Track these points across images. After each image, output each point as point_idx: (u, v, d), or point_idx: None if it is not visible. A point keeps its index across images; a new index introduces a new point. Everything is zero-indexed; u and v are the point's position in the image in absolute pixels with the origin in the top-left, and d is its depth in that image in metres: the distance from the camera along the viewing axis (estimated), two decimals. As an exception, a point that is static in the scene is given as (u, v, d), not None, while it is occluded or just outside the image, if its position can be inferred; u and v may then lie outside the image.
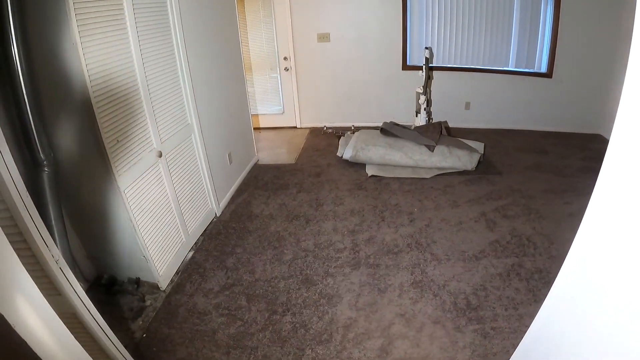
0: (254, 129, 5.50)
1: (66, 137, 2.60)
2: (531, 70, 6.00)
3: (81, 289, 1.76)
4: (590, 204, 1.40)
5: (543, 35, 5.75)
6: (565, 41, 5.56)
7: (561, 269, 1.66)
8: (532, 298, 2.95)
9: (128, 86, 2.74)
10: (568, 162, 5.09)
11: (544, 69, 5.90)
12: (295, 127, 6.96)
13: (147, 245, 3.03)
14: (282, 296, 3.11)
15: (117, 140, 2.64)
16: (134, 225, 2.86)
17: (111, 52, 2.56)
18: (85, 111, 2.43)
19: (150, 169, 3.04)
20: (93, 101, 2.41)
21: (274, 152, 5.90)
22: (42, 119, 2.40)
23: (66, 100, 2.44)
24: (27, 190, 2.48)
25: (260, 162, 5.56)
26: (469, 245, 3.58)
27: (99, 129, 2.47)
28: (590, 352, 1.42)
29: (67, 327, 1.50)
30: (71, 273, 1.69)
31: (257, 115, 6.80)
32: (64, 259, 2.49)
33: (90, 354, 1.62)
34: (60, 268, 1.62)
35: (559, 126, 6.17)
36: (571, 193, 4.30)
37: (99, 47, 2.44)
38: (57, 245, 2.49)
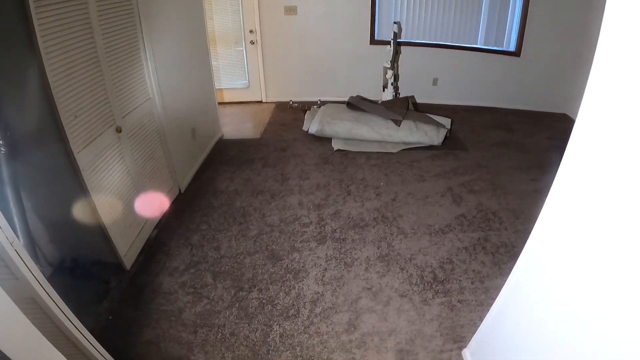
0: (219, 103, 5.40)
1: (22, 115, 2.48)
2: (500, 49, 6.05)
3: (40, 273, 1.70)
4: (555, 181, 1.42)
5: (513, 14, 5.80)
6: (534, 20, 5.62)
7: (527, 243, 1.69)
8: (498, 271, 3.02)
9: (86, 59, 2.62)
10: (534, 140, 5.19)
11: (512, 47, 5.97)
12: (261, 102, 6.87)
13: (109, 226, 2.94)
14: (248, 272, 3.10)
15: (75, 116, 2.53)
16: (94, 206, 2.78)
17: (67, 23, 2.42)
18: (41, 85, 2.31)
19: (110, 146, 2.93)
20: (49, 74, 2.28)
21: (239, 127, 5.81)
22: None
23: (21, 74, 2.32)
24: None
25: (225, 137, 5.48)
26: (435, 219, 3.63)
27: (55, 104, 2.36)
28: (555, 323, 1.46)
29: (26, 313, 1.45)
30: (29, 256, 1.63)
31: (221, 90, 6.67)
32: (24, 242, 2.46)
33: (52, 340, 1.58)
34: (16, 251, 1.56)
35: (526, 105, 6.28)
36: (537, 170, 4.40)
37: (53, 19, 2.31)
38: (16, 229, 2.44)
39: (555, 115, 6.06)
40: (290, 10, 6.16)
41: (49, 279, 3.02)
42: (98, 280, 3.09)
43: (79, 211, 2.83)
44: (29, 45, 2.20)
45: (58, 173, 2.66)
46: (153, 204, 3.43)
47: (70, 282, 3.08)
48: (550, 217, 1.51)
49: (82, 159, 2.62)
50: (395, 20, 5.63)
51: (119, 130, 2.99)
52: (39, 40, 2.20)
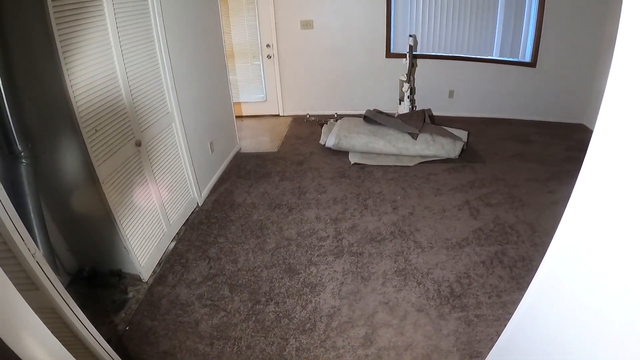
0: (236, 117, 5.44)
1: (44, 127, 2.54)
2: (515, 60, 6.02)
3: (60, 283, 1.72)
4: (574, 192, 1.40)
5: (528, 24, 5.77)
6: (550, 31, 5.58)
7: (545, 256, 1.66)
8: (516, 286, 2.98)
9: (106, 74, 2.67)
10: (552, 151, 5.13)
11: (528, 58, 5.93)
12: (278, 115, 6.91)
13: (128, 237, 2.98)
14: (265, 286, 3.10)
15: (96, 130, 2.59)
16: (113, 217, 2.81)
17: (88, 39, 2.49)
18: (62, 100, 2.36)
19: (129, 159, 2.98)
20: (70, 90, 2.34)
21: (256, 141, 5.85)
22: (19, 109, 2.33)
23: (44, 89, 2.38)
24: (4, 183, 2.45)
25: (242, 151, 5.52)
26: (453, 233, 3.60)
27: (76, 118, 2.41)
28: (573, 340, 1.43)
29: (46, 323, 1.47)
30: (49, 267, 1.65)
31: (239, 103, 6.74)
32: (44, 252, 2.49)
33: (71, 350, 1.60)
34: (37, 262, 1.58)
35: (542, 116, 6.22)
36: (554, 182, 4.34)
37: (74, 34, 2.37)
38: (37, 239, 2.48)
39: (572, 126, 5.99)
40: (307, 24, 6.22)
41: (67, 288, 3.07)
42: (116, 290, 3.12)
43: (98, 222, 2.87)
44: (51, 58, 2.25)
45: (78, 185, 2.71)
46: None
47: (88, 291, 3.12)
48: (568, 230, 1.48)
49: (102, 171, 2.67)
50: (411, 34, 5.64)
51: (138, 144, 3.04)
52: (60, 54, 2.26)
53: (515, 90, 6.16)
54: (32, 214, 2.48)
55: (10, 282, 1.32)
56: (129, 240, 2.99)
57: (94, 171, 2.60)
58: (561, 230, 1.52)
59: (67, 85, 2.32)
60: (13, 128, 2.30)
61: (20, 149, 2.37)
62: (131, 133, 2.99)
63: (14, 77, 2.27)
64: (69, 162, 2.63)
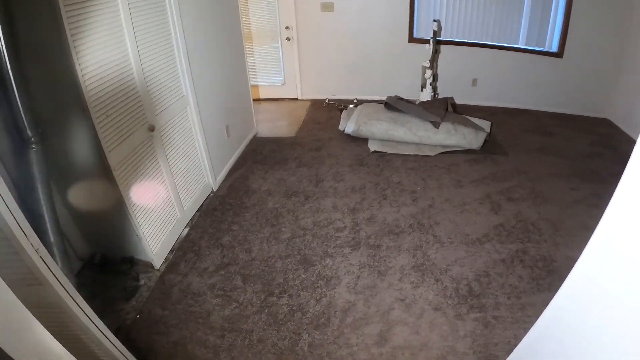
0: (254, 100, 5.34)
1: (54, 112, 2.46)
2: (541, 49, 5.79)
3: (65, 277, 1.66)
4: (619, 188, 1.26)
5: (556, 13, 5.53)
6: (578, 21, 5.34)
7: (576, 264, 1.54)
8: (536, 287, 2.86)
9: (118, 56, 2.58)
10: (574, 145, 4.95)
11: (554, 48, 5.69)
12: (296, 99, 6.79)
13: (140, 224, 2.92)
14: (279, 277, 3.03)
15: (107, 115, 2.50)
16: (125, 204, 2.75)
17: (99, 19, 2.39)
18: (72, 84, 2.28)
19: (142, 145, 2.90)
20: (80, 73, 2.26)
21: (273, 125, 5.75)
22: (29, 94, 2.26)
23: (54, 73, 2.29)
24: (15, 168, 2.40)
25: (259, 135, 5.43)
26: (473, 228, 3.48)
27: (86, 103, 2.33)
28: (612, 343, 1.32)
29: (50, 318, 1.41)
30: (54, 262, 1.58)
31: (256, 86, 6.62)
32: (54, 239, 2.44)
33: (76, 345, 1.54)
34: (40, 257, 1.51)
35: (566, 108, 5.99)
36: (577, 178, 4.18)
37: (84, 16, 2.27)
38: (47, 225, 2.42)
39: (595, 120, 5.76)
40: (327, 6, 6.05)
41: (78, 273, 3.05)
42: (127, 277, 3.08)
43: (110, 209, 2.81)
44: (59, 42, 2.16)
45: (89, 171, 2.65)
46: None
47: (99, 277, 3.09)
48: (608, 236, 1.36)
49: (114, 157, 2.59)
50: (435, 19, 5.45)
51: (152, 129, 2.95)
52: (69, 35, 2.16)
53: (539, 80, 5.93)
54: (42, 200, 2.42)
55: (4, 283, 1.25)
56: (141, 227, 2.93)
57: (105, 158, 2.52)
58: (598, 235, 1.40)
59: (76, 69, 2.23)
60: (23, 113, 2.24)
61: (30, 134, 2.31)
62: (144, 118, 2.90)
63: (22, 63, 2.18)
64: (79, 148, 2.56)
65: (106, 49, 2.47)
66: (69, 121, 2.45)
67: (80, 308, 1.76)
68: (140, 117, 2.86)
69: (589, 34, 5.40)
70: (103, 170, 2.59)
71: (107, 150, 2.53)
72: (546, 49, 5.77)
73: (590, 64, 5.59)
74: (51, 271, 1.58)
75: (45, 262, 1.54)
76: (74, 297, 1.71)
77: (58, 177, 2.74)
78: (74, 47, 2.20)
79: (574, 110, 5.96)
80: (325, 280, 2.99)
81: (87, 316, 1.80)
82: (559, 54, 5.66)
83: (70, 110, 2.40)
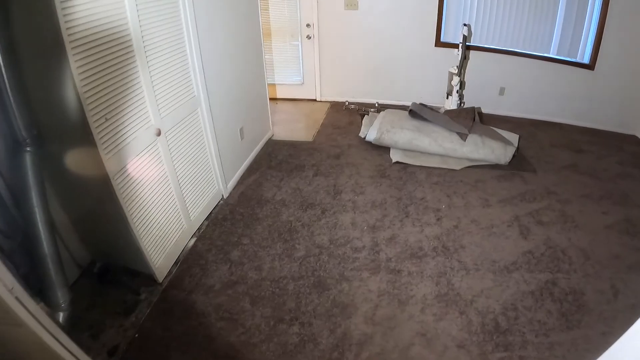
0: (270, 99, 5.08)
1: (50, 113, 2.23)
2: (572, 60, 5.47)
3: (46, 316, 1.43)
4: None
5: (589, 23, 5.21)
6: (611, 32, 5.02)
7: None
8: (565, 324, 2.60)
9: (120, 53, 2.33)
10: (604, 164, 4.64)
11: (586, 59, 5.37)
12: (315, 100, 6.52)
13: (142, 235, 2.68)
14: (290, 301, 2.78)
15: (106, 119, 2.25)
16: (125, 215, 2.50)
17: (96, 13, 2.14)
18: (67, 83, 2.04)
19: (146, 149, 2.66)
20: (75, 73, 2.01)
21: (290, 127, 5.49)
22: (23, 93, 2.03)
23: (48, 72, 2.06)
24: (8, 172, 2.19)
25: (274, 138, 5.18)
26: (501, 254, 3.21)
27: (82, 106, 2.09)
28: None
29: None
30: (32, 301, 1.36)
31: (273, 85, 6.37)
32: (48, 252, 2.23)
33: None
34: (16, 298, 1.29)
35: (594, 123, 5.66)
36: (608, 200, 3.90)
37: (80, 8, 2.03)
38: (40, 234, 2.21)
39: (624, 137, 5.45)
40: (352, 4, 5.77)
41: (76, 282, 2.84)
42: (127, 290, 2.87)
43: (110, 218, 2.58)
44: (54, 38, 1.92)
45: (87, 178, 2.41)
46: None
47: (97, 288, 2.89)
48: None
49: (113, 164, 2.36)
50: (465, 23, 5.14)
51: (157, 133, 2.71)
52: (64, 33, 1.92)
53: (569, 92, 5.61)
54: (35, 208, 2.20)
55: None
56: (143, 239, 2.70)
57: (104, 166, 2.28)
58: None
59: (71, 66, 1.99)
60: (16, 113, 2.03)
61: (24, 135, 2.10)
62: (149, 120, 2.66)
63: (18, 63, 1.96)
64: (76, 153, 2.32)
65: (107, 44, 2.23)
66: (65, 124, 2.21)
67: (66, 348, 1.54)
68: (144, 120, 2.62)
69: (621, 46, 5.09)
70: (101, 178, 2.35)
71: (106, 157, 2.28)
72: (578, 59, 5.46)
73: (621, 78, 5.28)
74: (29, 312, 1.36)
75: (21, 303, 1.32)
76: (57, 337, 1.49)
77: (56, 181, 2.51)
78: (69, 41, 1.96)
79: (602, 125, 5.64)
80: (340, 307, 2.73)
81: (74, 356, 1.58)
82: (590, 66, 5.34)
83: (65, 112, 2.15)
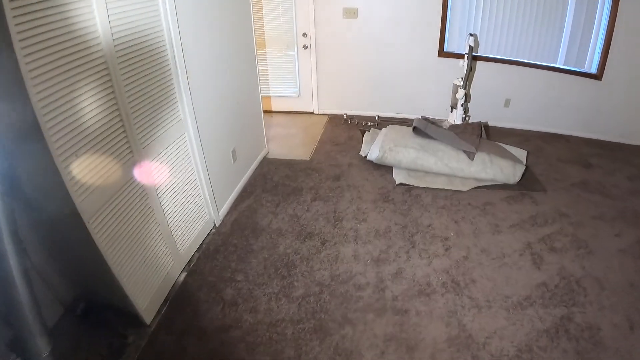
0: (265, 112, 4.83)
1: (18, 146, 1.96)
2: (579, 70, 5.25)
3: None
4: None
5: (597, 33, 5.00)
6: (619, 42, 4.83)
7: None
8: (581, 364, 2.40)
9: (89, 73, 2.05)
10: (615, 180, 4.44)
11: (593, 69, 5.16)
12: (312, 113, 6.27)
13: (126, 278, 2.43)
14: (289, 349, 2.53)
15: (76, 155, 1.99)
16: (105, 260, 2.24)
17: (57, 28, 1.86)
18: (26, 111, 1.75)
19: (126, 185, 2.41)
20: (33, 97, 1.72)
21: (286, 144, 5.24)
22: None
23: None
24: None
25: (270, 156, 4.92)
26: (514, 288, 2.98)
27: (46, 142, 1.81)
28: None
29: None
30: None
31: (268, 97, 6.13)
32: (25, 300, 1.97)
33: None
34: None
35: (602, 134, 5.47)
36: (621, 221, 3.70)
37: (36, 23, 1.77)
38: (18, 288, 1.95)
39: (632, 148, 5.26)
40: (350, 12, 5.53)
41: (59, 322, 2.58)
42: (113, 332, 2.62)
43: (89, 262, 2.32)
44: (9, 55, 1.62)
45: (60, 219, 2.14)
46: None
47: (81, 329, 2.63)
48: None
49: (88, 207, 2.09)
50: (472, 33, 4.89)
51: (139, 167, 2.45)
52: (19, 54, 1.63)
53: (576, 103, 5.41)
54: (8, 253, 1.93)
55: None
56: (127, 283, 2.45)
57: (76, 209, 2.01)
58: None
59: (28, 89, 1.69)
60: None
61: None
62: (129, 152, 2.41)
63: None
64: (47, 193, 2.05)
65: (71, 63, 1.95)
66: (33, 159, 1.94)
67: None
68: (123, 152, 2.36)
69: (629, 56, 4.90)
70: (75, 221, 2.07)
71: (79, 199, 2.02)
72: (585, 69, 5.24)
73: (629, 88, 5.10)
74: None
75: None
76: None
77: (31, 225, 2.25)
78: (24, 62, 1.67)
79: (610, 136, 5.45)
80: (344, 355, 2.49)
81: None
82: (597, 76, 5.14)
83: (33, 141, 1.87)
